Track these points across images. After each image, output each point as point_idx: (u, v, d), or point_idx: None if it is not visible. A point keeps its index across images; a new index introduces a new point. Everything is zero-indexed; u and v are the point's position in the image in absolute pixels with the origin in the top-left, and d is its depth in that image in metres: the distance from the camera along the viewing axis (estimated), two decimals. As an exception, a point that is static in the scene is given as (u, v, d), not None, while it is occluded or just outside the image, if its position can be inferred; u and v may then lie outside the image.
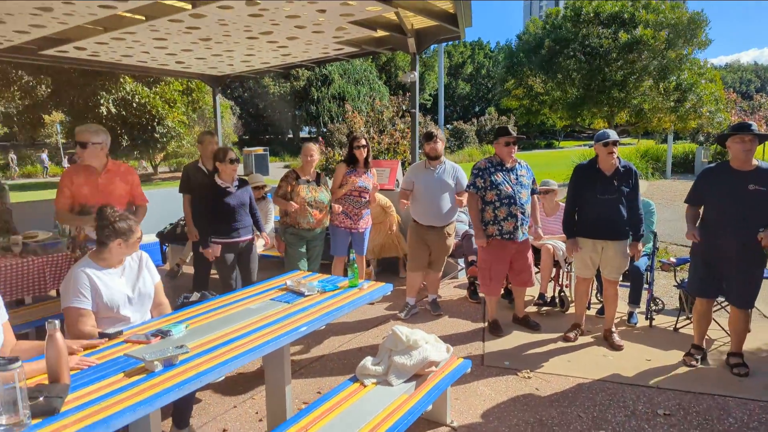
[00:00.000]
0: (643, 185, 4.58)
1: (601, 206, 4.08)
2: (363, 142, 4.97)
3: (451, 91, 54.69)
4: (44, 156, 28.24)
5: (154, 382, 1.99)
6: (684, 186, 15.97)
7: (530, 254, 4.61)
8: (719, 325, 4.31)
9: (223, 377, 3.57)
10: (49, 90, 12.09)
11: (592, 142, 4.35)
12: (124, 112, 17.15)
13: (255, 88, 37.62)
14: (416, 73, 5.93)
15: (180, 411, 2.91)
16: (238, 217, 4.25)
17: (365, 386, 2.84)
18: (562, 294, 5.18)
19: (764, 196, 3.49)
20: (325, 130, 29.12)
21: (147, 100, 18.03)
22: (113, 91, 16.02)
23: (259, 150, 24.88)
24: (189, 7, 4.24)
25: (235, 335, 2.46)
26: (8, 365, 1.64)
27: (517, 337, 4.50)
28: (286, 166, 25.79)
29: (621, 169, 4.08)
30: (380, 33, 5.55)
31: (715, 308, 4.16)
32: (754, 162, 3.59)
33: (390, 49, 6.35)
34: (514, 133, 4.42)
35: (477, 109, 56.33)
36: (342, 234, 5.01)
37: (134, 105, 17.78)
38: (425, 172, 4.83)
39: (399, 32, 5.61)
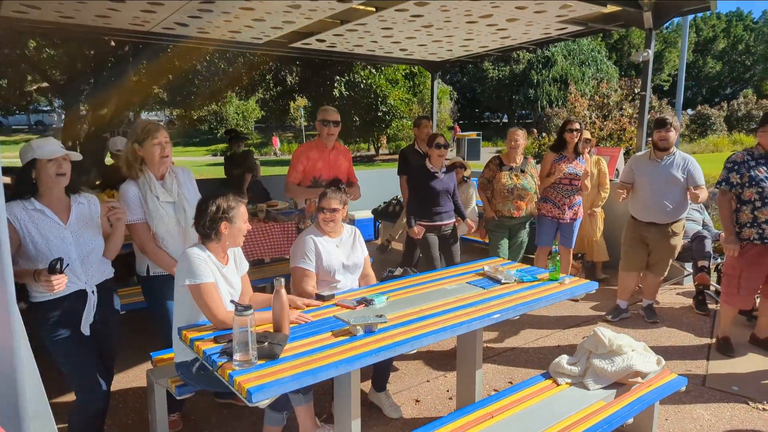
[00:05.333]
0: None
1: None
2: (576, 126, 4.73)
3: (696, 70, 46.88)
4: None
5: (355, 345, 2.19)
6: None
7: None
8: None
9: (415, 350, 3.76)
10: (297, 78, 14.06)
11: None
12: (352, 93, 19.15)
13: (474, 72, 37.83)
14: (650, 52, 5.25)
15: (379, 375, 3.16)
16: (441, 202, 4.41)
17: (558, 384, 2.70)
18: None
19: None
20: (541, 114, 27.92)
21: (372, 80, 19.73)
22: (346, 75, 17.98)
23: (473, 135, 25.04)
24: (413, -5, 4.44)
25: (430, 312, 2.56)
26: (244, 311, 1.97)
27: (753, 361, 3.79)
28: (498, 152, 25.49)
29: None
30: (610, 8, 5.05)
31: None
32: None
33: (621, 26, 5.74)
34: None
35: (729, 91, 47.48)
36: (548, 223, 4.80)
37: (361, 86, 19.73)
38: (649, 164, 4.30)
39: (633, 6, 5.04)
